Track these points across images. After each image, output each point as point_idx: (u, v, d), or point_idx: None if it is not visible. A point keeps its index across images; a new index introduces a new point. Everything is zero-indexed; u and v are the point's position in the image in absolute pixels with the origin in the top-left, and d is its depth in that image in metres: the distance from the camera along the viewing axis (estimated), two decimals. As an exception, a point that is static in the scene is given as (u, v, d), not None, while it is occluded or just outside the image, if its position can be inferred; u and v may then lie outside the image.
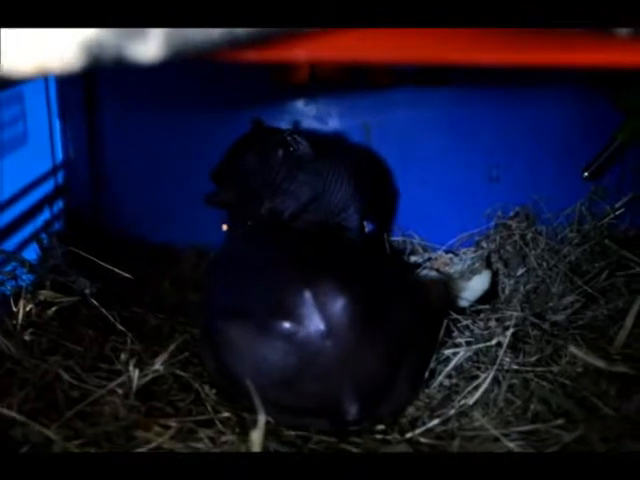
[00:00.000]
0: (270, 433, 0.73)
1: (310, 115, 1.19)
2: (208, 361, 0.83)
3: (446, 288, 1.01)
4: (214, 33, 0.41)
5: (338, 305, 0.72)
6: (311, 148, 0.95)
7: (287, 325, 0.72)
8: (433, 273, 1.07)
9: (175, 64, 0.42)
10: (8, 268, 0.89)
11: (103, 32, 0.39)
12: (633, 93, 1.10)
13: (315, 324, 0.72)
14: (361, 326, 0.73)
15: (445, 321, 0.87)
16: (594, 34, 0.46)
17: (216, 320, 0.78)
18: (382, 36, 0.46)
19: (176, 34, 0.41)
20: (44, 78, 1.09)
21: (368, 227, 1.04)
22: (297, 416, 0.76)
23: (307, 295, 0.73)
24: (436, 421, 0.76)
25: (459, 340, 0.91)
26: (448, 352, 0.88)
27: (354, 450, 0.71)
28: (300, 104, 1.19)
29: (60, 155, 1.16)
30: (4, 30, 0.39)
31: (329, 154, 0.98)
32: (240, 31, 0.42)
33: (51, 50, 0.39)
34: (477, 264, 1.09)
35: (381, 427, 0.76)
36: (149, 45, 0.40)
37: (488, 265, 1.09)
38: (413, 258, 1.17)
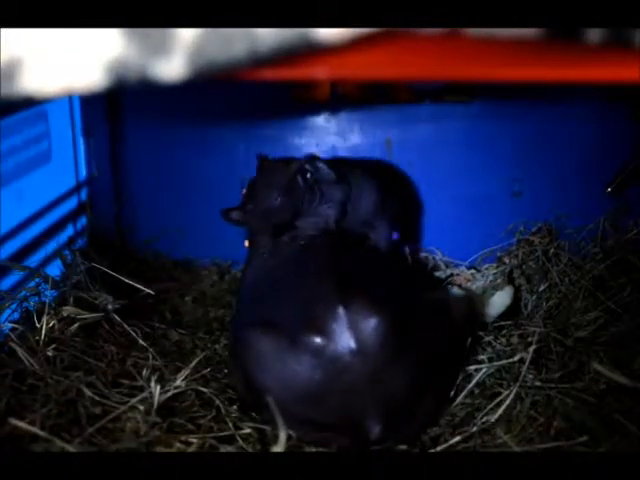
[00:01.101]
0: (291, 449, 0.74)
1: (332, 132, 1.19)
2: (236, 374, 0.83)
3: (469, 304, 1.00)
4: (236, 52, 0.41)
5: (370, 324, 0.72)
6: (331, 170, 0.96)
7: (317, 339, 0.72)
8: (455, 289, 1.06)
9: (197, 83, 0.42)
10: (31, 284, 0.90)
11: (127, 52, 0.40)
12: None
13: (345, 340, 0.72)
14: (390, 346, 0.73)
15: (469, 339, 0.86)
16: (615, 50, 0.45)
17: (246, 332, 0.78)
18: (402, 54, 0.46)
19: (199, 53, 0.41)
20: (68, 97, 1.10)
21: (394, 236, 1.06)
22: (319, 431, 0.75)
23: (340, 311, 0.73)
24: (458, 438, 0.75)
25: (481, 357, 0.90)
26: (470, 369, 0.88)
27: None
28: (321, 121, 1.19)
29: (83, 172, 1.17)
30: (31, 51, 0.39)
31: (352, 172, 0.99)
32: (262, 50, 0.42)
33: (76, 71, 0.40)
34: (499, 280, 1.08)
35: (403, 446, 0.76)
36: (172, 65, 0.41)
37: (510, 281, 1.08)
38: (435, 274, 1.16)
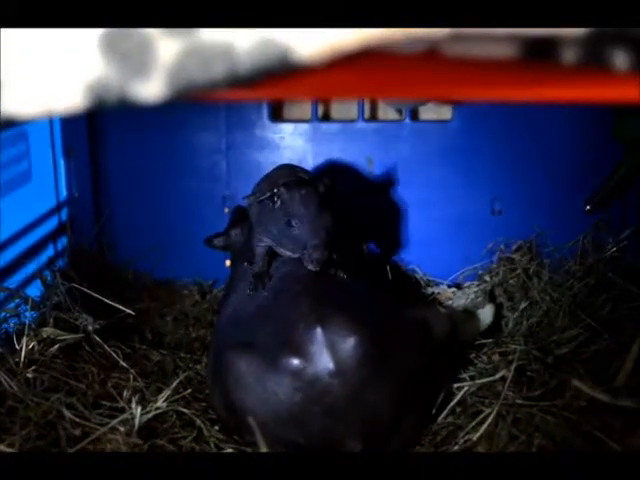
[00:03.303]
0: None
1: (312, 151, 1.20)
2: (216, 396, 0.82)
3: (450, 323, 1.01)
4: (216, 73, 0.42)
5: (348, 345, 0.72)
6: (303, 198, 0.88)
7: (296, 361, 0.72)
8: (437, 307, 1.07)
9: (178, 103, 0.42)
10: (11, 305, 0.89)
11: (107, 73, 0.40)
12: (633, 126, 1.10)
13: (324, 362, 0.72)
14: (369, 365, 0.73)
15: (451, 358, 0.86)
16: (594, 70, 0.46)
17: (226, 353, 0.78)
18: (382, 73, 0.46)
19: (178, 74, 0.41)
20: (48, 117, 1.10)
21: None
22: (301, 453, 0.75)
23: (318, 332, 0.72)
24: (440, 457, 0.75)
25: (463, 375, 0.90)
26: (452, 387, 0.87)
27: None
28: (302, 140, 1.20)
29: (64, 193, 1.17)
30: (11, 72, 0.39)
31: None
32: (241, 70, 0.42)
33: (56, 92, 0.40)
34: (480, 298, 1.08)
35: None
36: (152, 85, 0.41)
37: (491, 299, 1.09)
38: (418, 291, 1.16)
